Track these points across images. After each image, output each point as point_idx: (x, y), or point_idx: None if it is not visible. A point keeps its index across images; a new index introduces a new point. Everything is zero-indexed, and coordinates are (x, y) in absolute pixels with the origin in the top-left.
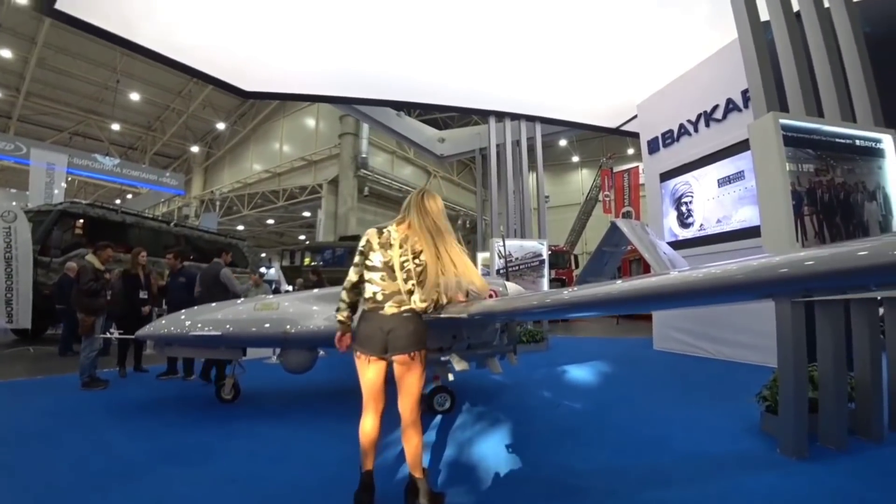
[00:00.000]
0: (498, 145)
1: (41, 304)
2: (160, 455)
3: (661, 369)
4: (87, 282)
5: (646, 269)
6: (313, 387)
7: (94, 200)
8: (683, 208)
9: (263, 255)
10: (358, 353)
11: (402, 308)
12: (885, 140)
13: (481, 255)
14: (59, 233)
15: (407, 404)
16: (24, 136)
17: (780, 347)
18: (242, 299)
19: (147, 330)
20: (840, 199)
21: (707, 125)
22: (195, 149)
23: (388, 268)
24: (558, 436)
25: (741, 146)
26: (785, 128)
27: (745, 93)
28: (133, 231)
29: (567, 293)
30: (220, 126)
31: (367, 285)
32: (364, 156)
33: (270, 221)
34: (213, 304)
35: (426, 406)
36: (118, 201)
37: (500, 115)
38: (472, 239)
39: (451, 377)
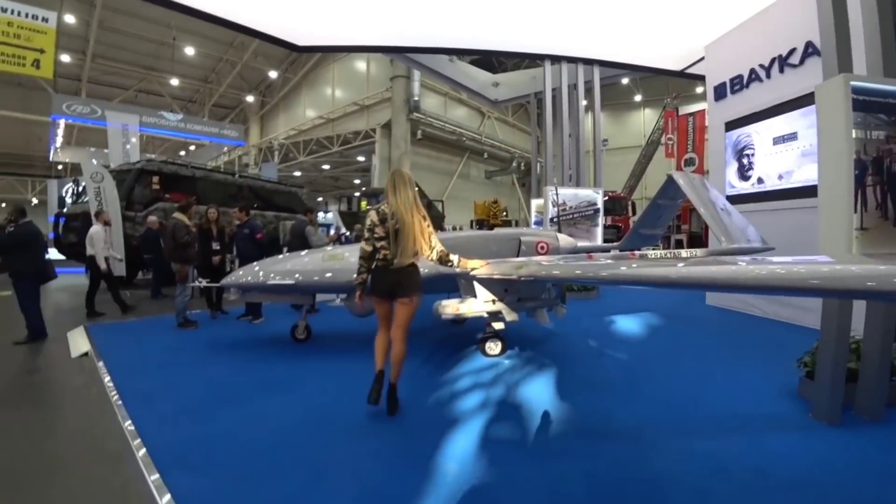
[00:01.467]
0: (554, 89)
1: (131, 255)
2: (255, 386)
3: (710, 326)
4: (183, 237)
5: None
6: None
7: (163, 156)
8: (745, 160)
9: (320, 199)
10: (373, 297)
11: (403, 265)
12: None
13: (535, 202)
14: (140, 189)
15: (399, 329)
16: (93, 96)
17: (824, 313)
18: (309, 251)
19: (230, 279)
20: None
21: (781, 70)
22: (250, 98)
23: (388, 237)
24: (597, 384)
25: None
26: (857, 90)
27: None
28: (201, 183)
29: (615, 270)
30: (273, 74)
31: (380, 250)
32: (416, 98)
33: (326, 167)
34: (287, 255)
35: (480, 350)
36: (182, 153)
37: (556, 59)
38: (527, 181)
39: (501, 325)
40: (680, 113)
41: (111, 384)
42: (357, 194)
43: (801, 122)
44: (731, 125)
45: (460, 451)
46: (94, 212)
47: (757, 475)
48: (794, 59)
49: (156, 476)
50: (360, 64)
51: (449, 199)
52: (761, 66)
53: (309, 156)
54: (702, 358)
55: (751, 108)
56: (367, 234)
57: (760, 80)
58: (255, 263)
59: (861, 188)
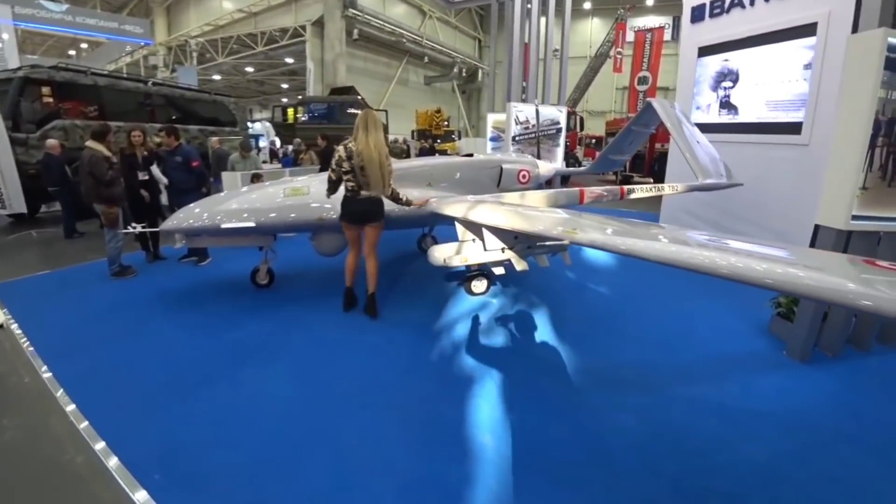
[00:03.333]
0: None
1: (29, 185)
2: (229, 354)
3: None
4: (105, 172)
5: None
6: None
7: (50, 59)
8: (721, 91)
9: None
10: (344, 222)
11: (371, 196)
12: None
13: (493, 117)
14: (27, 104)
15: (369, 246)
16: None
17: None
18: (269, 183)
19: (173, 222)
20: None
21: (766, 0)
22: None
23: (354, 171)
24: (585, 325)
25: (804, 30)
26: (891, 48)
27: None
28: (108, 94)
29: (689, 253)
30: None
31: (345, 182)
32: None
33: (249, 70)
34: (243, 190)
35: (464, 289)
36: (72, 54)
37: None
38: (468, 89)
39: (501, 270)
40: (638, 28)
41: (48, 373)
42: (285, 101)
43: (784, 56)
44: (706, 50)
45: (489, 419)
46: None
47: (757, 419)
48: None
49: None
50: None
51: (388, 106)
52: None
53: (229, 56)
54: (679, 296)
55: (730, 35)
56: (334, 166)
57: (743, 6)
58: (202, 202)
59: (871, 148)
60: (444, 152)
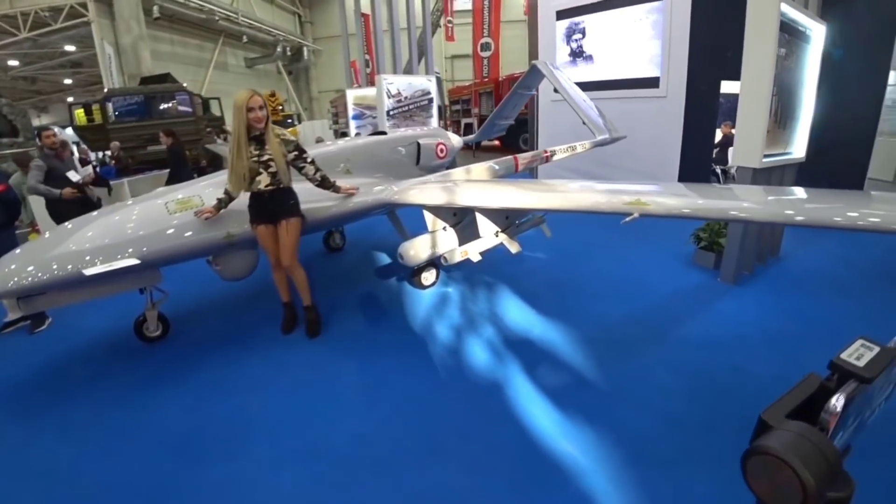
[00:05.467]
0: None
1: None
2: (153, 474)
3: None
4: None
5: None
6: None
7: None
8: (577, 49)
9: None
10: (258, 227)
11: (278, 186)
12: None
13: (353, 93)
14: None
15: (290, 248)
16: None
17: None
18: (131, 201)
19: None
20: (790, 84)
21: None
22: None
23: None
24: (557, 293)
25: None
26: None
27: None
28: None
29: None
30: None
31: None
32: None
33: (13, 63)
34: (93, 216)
35: (413, 284)
36: None
37: None
38: (294, 69)
39: (478, 257)
40: None
41: None
42: (100, 100)
43: (636, 17)
44: (564, 14)
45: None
46: None
47: (735, 340)
48: None
49: None
50: None
51: (208, 95)
52: None
53: None
54: (610, 243)
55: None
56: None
57: None
58: (36, 243)
59: None
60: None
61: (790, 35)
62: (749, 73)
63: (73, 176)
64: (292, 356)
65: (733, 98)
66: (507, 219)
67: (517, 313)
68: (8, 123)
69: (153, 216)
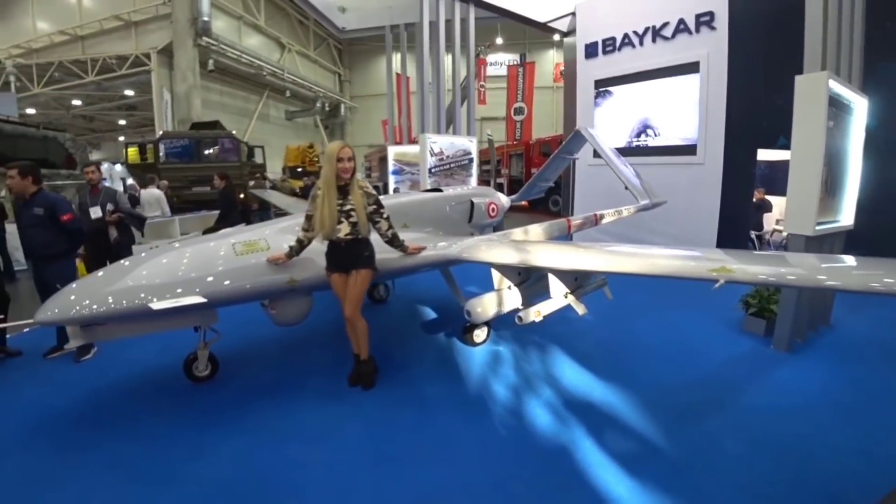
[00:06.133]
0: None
1: None
2: None
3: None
4: None
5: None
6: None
7: None
8: (619, 118)
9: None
10: (332, 274)
11: (356, 236)
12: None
13: (394, 149)
14: None
15: (356, 299)
16: None
17: None
18: (193, 238)
19: (55, 310)
20: (837, 154)
21: (654, 41)
22: None
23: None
24: (609, 354)
25: (687, 68)
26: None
27: (699, 16)
28: None
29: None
30: None
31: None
32: (206, 19)
33: (76, 102)
34: (153, 248)
35: (464, 341)
36: None
37: None
38: (330, 123)
39: (539, 318)
40: (511, 63)
41: None
42: (156, 140)
43: (673, 88)
44: (602, 83)
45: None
46: None
47: (801, 410)
48: (667, 32)
49: None
50: None
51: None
52: (635, 32)
53: (48, 87)
54: (653, 307)
55: (622, 69)
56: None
57: (633, 46)
58: (102, 273)
59: None
60: None
61: (836, 108)
62: (800, 144)
63: (95, 212)
64: (348, 409)
65: (764, 165)
66: (576, 280)
67: (573, 375)
68: (69, 156)
69: (220, 256)
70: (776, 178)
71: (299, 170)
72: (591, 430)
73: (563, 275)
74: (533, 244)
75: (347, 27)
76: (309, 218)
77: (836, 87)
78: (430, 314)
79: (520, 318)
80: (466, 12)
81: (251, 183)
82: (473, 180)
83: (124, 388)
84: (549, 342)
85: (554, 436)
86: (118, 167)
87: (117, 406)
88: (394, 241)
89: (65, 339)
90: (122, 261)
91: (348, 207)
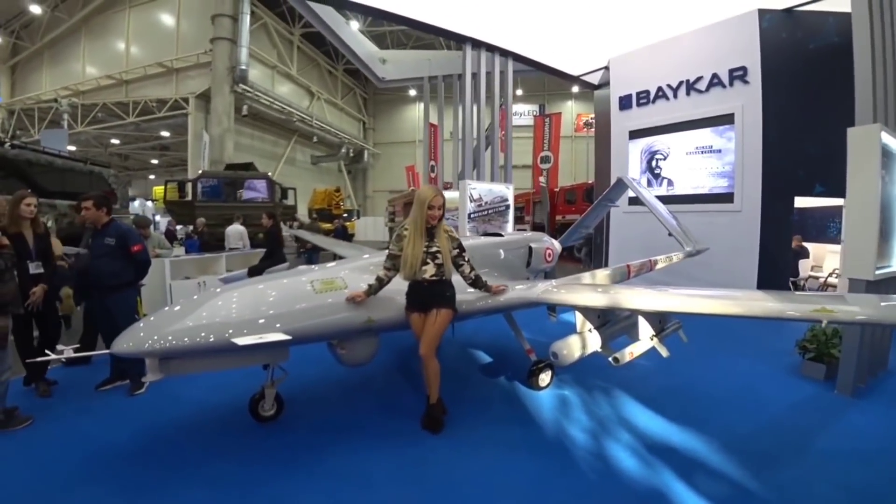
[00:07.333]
0: (447, 76)
1: None
2: None
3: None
4: None
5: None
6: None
7: None
8: (654, 166)
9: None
10: (412, 312)
11: (440, 277)
12: None
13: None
14: None
15: (433, 337)
16: None
17: None
18: (269, 274)
19: (132, 342)
20: (889, 201)
21: (688, 94)
22: None
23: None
24: (676, 397)
25: (721, 119)
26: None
27: (732, 71)
28: None
29: None
30: (35, 9)
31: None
32: (244, 68)
33: (115, 141)
34: (235, 283)
35: (529, 384)
36: None
37: (478, 44)
38: (353, 168)
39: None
40: (537, 114)
41: None
42: (195, 179)
43: (707, 138)
44: (636, 134)
45: None
46: None
47: (882, 455)
48: (701, 86)
49: None
50: (166, 17)
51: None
52: (669, 85)
53: (90, 126)
54: (706, 353)
55: (656, 121)
56: (395, 250)
57: (667, 98)
58: (182, 306)
59: None
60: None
61: (886, 157)
62: (855, 192)
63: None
64: (426, 452)
65: (795, 212)
66: (660, 323)
67: (645, 419)
68: (111, 191)
69: (299, 294)
70: (806, 224)
71: (328, 212)
72: (679, 474)
73: (650, 317)
74: (619, 287)
75: (387, 77)
76: (392, 257)
77: (887, 137)
78: (484, 357)
79: (616, 359)
80: (505, 65)
81: (295, 224)
82: (510, 226)
83: (184, 424)
84: (611, 386)
85: (644, 479)
86: (149, 203)
87: (181, 444)
88: (477, 283)
89: (118, 372)
90: (195, 296)
91: (434, 249)
